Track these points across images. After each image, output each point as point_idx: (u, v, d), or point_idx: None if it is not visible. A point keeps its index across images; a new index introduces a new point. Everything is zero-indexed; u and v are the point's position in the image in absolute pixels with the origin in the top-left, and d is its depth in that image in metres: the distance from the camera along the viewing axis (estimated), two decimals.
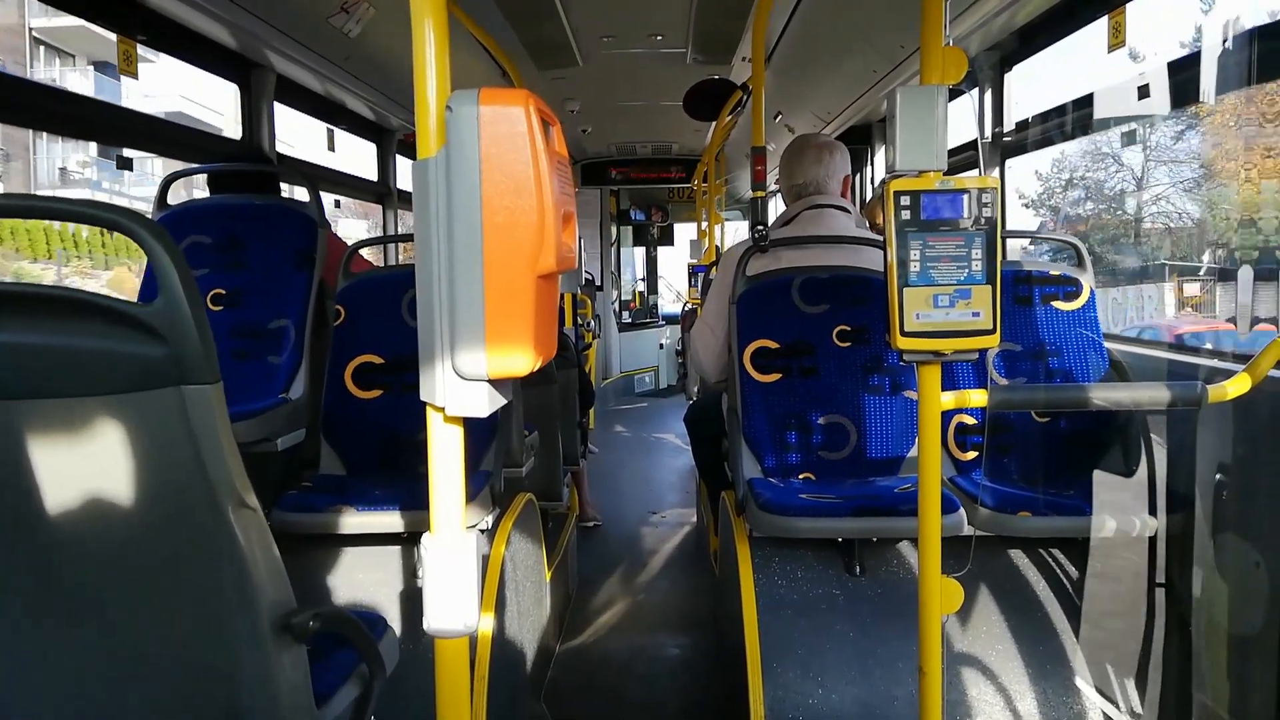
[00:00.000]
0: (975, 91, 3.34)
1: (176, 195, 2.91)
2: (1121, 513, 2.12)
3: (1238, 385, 1.61)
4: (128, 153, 2.87)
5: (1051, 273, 2.56)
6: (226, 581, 1.12)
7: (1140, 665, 2.12)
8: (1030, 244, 5.03)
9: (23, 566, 1.15)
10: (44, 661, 1.18)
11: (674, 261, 12.12)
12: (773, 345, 2.49)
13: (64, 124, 2.49)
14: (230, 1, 2.64)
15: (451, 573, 1.20)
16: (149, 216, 1.84)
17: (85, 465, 1.08)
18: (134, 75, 2.61)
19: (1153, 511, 2.11)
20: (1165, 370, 2.30)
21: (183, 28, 2.76)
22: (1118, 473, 2.33)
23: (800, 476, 2.46)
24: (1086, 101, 2.71)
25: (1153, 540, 2.12)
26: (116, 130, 2.70)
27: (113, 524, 1.12)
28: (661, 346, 10.46)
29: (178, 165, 3.02)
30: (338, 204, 4.44)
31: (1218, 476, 1.92)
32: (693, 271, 6.81)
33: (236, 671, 1.16)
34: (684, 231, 11.71)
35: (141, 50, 2.60)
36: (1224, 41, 2.06)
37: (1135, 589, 2.17)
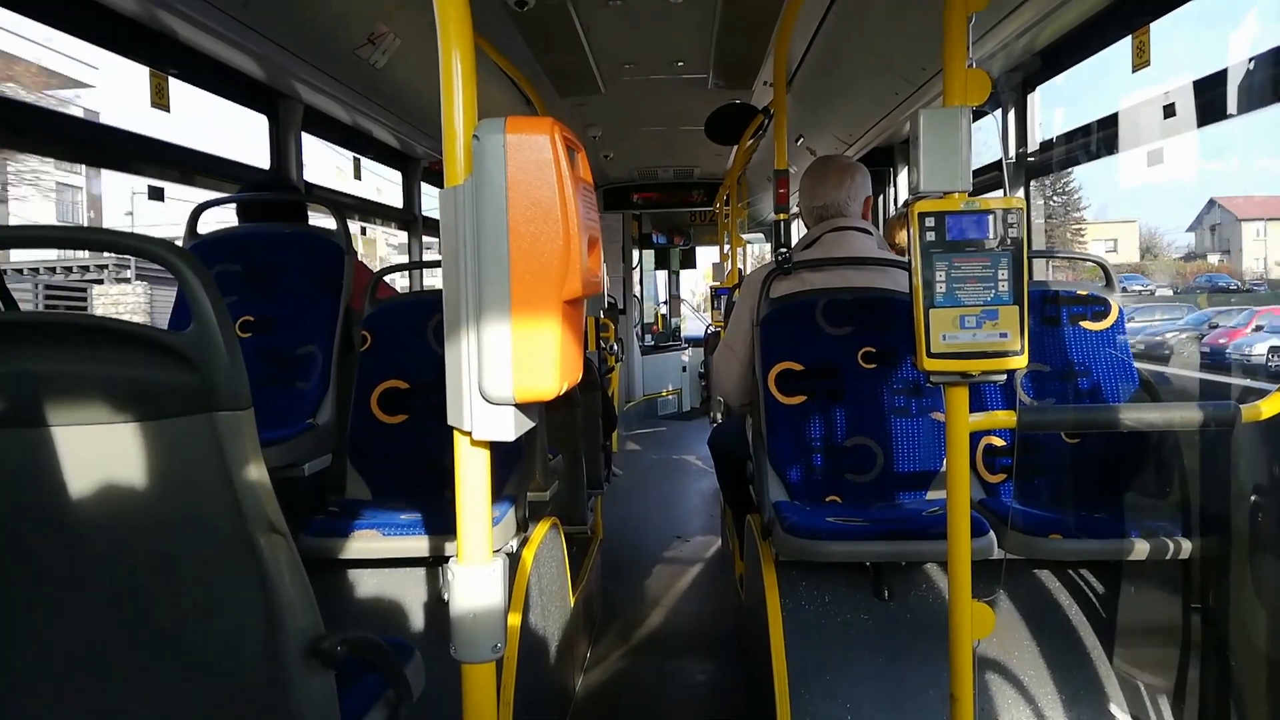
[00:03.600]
0: (998, 112, 3.34)
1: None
2: (1155, 534, 2.08)
3: (1271, 405, 1.59)
4: (157, 183, 2.92)
5: (1079, 293, 2.54)
6: (256, 606, 1.12)
7: (1176, 692, 2.08)
8: None
9: (53, 589, 1.16)
10: (72, 683, 1.19)
11: (687, 285, 12.05)
12: (797, 367, 2.48)
13: (94, 154, 2.55)
14: (259, 35, 2.69)
15: (479, 599, 1.20)
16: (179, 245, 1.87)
17: (118, 490, 1.10)
18: (165, 108, 2.67)
19: (1187, 533, 2.08)
20: (1196, 390, 2.27)
21: (213, 61, 2.82)
22: (1150, 494, 2.30)
23: (826, 499, 2.44)
24: (1111, 121, 2.70)
25: (1187, 563, 2.09)
26: (146, 160, 2.76)
27: (144, 548, 1.13)
28: (684, 369, 10.45)
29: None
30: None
31: (1253, 497, 1.89)
32: (715, 294, 6.81)
33: (266, 696, 1.16)
34: (705, 255, 11.75)
35: None
36: (1250, 59, 2.05)
37: (1170, 613, 2.13)
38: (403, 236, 4.77)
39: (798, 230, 3.87)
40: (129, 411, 1.07)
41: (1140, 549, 2.07)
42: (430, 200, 4.84)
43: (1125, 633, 2.19)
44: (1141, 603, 2.19)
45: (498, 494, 2.33)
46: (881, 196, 5.46)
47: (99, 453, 1.08)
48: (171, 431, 1.07)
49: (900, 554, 2.16)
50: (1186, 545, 2.06)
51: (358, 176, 4.25)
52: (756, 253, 12.20)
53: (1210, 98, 2.22)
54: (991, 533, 2.11)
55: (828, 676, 2.11)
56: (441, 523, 2.20)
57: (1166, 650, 2.10)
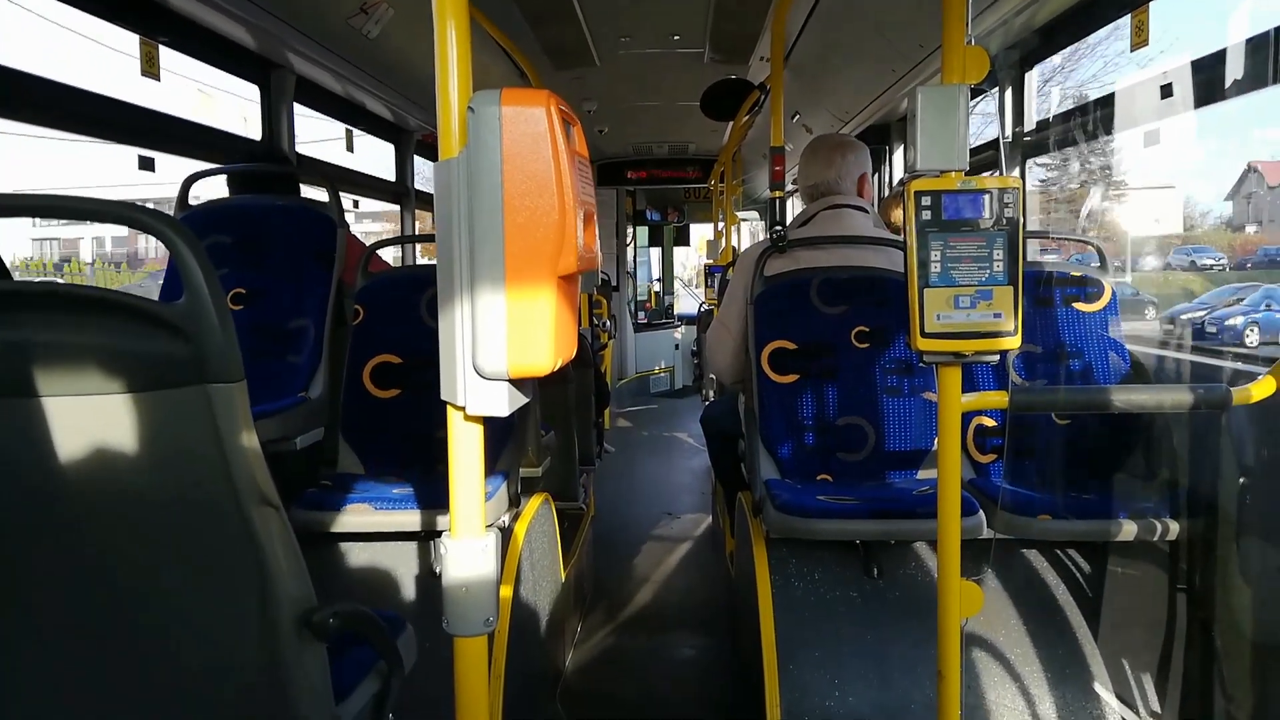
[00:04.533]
0: (995, 90, 3.33)
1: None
2: (1143, 516, 2.10)
3: (1262, 388, 1.59)
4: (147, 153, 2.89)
5: (1073, 274, 2.54)
6: (248, 578, 1.12)
7: (1161, 671, 2.10)
8: None
9: (46, 562, 1.16)
10: (62, 653, 1.19)
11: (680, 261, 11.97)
12: (790, 346, 2.48)
13: (83, 123, 2.51)
14: (251, 3, 2.66)
15: (471, 572, 1.20)
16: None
17: (109, 462, 1.09)
18: (156, 77, 2.63)
19: (1174, 515, 2.10)
20: (1188, 372, 2.28)
21: (204, 29, 2.78)
22: (1139, 475, 2.31)
23: (818, 478, 2.45)
24: (1108, 101, 2.69)
25: (1174, 544, 2.11)
26: (136, 130, 2.73)
27: (136, 521, 1.13)
28: (677, 347, 10.45)
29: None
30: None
31: (1241, 479, 1.90)
32: (709, 272, 6.80)
33: (258, 668, 1.16)
34: (699, 232, 11.71)
35: None
36: (1249, 39, 2.04)
37: (1156, 593, 2.15)
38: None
39: (793, 208, 3.84)
40: (120, 382, 1.06)
41: (1128, 530, 2.09)
42: (423, 174, 4.81)
43: (1111, 612, 2.21)
44: (1128, 583, 2.21)
45: (491, 469, 2.33)
46: (877, 175, 5.45)
47: (90, 424, 1.08)
48: (163, 403, 1.07)
49: (890, 532, 2.17)
50: (1174, 527, 2.07)
51: (350, 149, 4.22)
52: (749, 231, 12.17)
53: (1208, 77, 2.22)
54: (981, 512, 2.13)
55: (816, 653, 2.12)
56: (434, 497, 2.20)
57: (1152, 630, 2.13)
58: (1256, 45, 2.03)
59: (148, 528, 1.13)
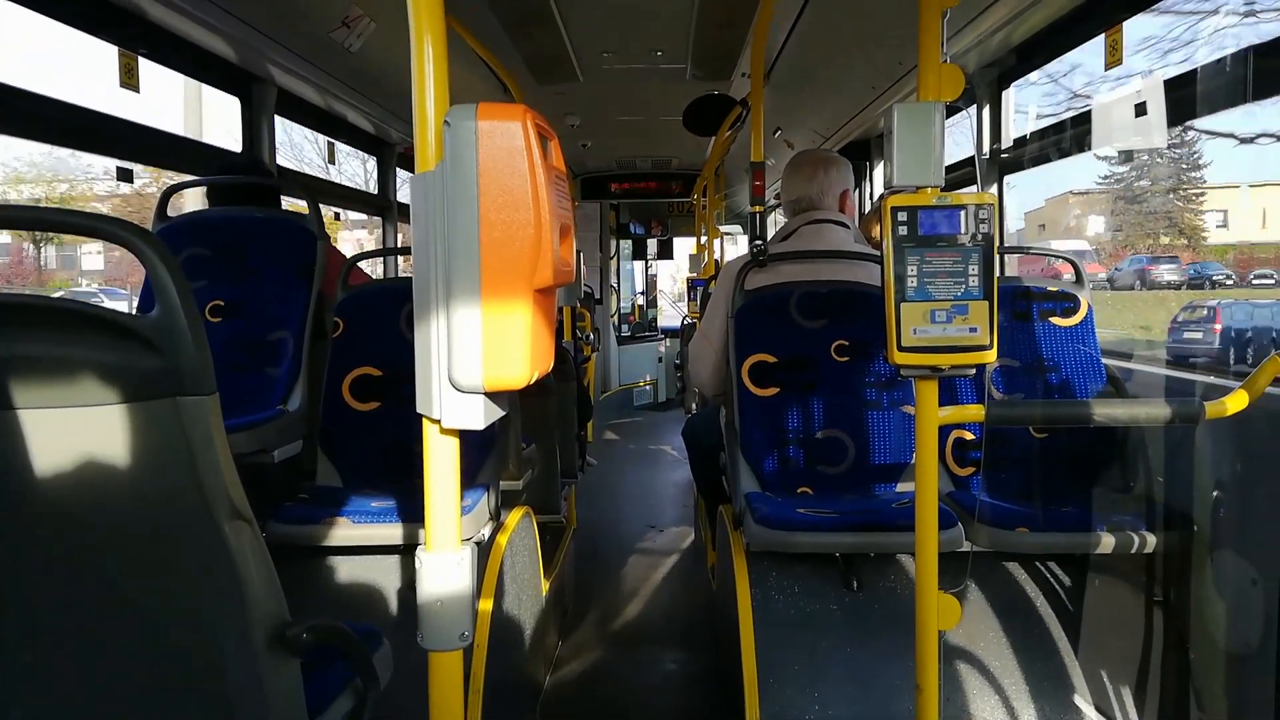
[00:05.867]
0: (973, 108, 3.36)
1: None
2: (1119, 528, 2.11)
3: (1235, 402, 1.61)
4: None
5: (1050, 289, 2.57)
6: (220, 593, 1.12)
7: (1139, 683, 2.11)
8: None
9: (15, 573, 1.14)
10: (35, 671, 1.17)
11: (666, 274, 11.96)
12: (771, 359, 2.49)
13: (62, 135, 2.50)
14: (232, 15, 2.65)
15: (446, 587, 1.20)
16: (148, 228, 1.84)
17: (83, 474, 1.08)
18: (135, 89, 2.62)
19: (1150, 527, 2.11)
20: (1163, 386, 2.30)
21: (184, 41, 2.78)
22: (1115, 488, 2.33)
23: (798, 491, 2.45)
24: (1084, 118, 2.73)
25: (1150, 556, 2.12)
26: (115, 141, 2.71)
27: (110, 532, 1.12)
28: (660, 360, 10.46)
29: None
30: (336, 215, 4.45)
31: (1215, 493, 1.92)
32: (691, 285, 6.81)
33: (229, 683, 1.15)
34: (683, 246, 11.73)
35: None
36: (1220, 59, 2.07)
37: (1133, 606, 2.17)
38: None
39: (775, 223, 3.85)
40: (92, 395, 1.05)
41: (1105, 543, 2.10)
42: (406, 186, 4.80)
43: (1090, 625, 2.22)
44: (1106, 595, 2.22)
45: (471, 482, 2.32)
46: (858, 190, 5.48)
47: (63, 436, 1.07)
48: (135, 416, 1.06)
49: (869, 545, 2.17)
50: (1150, 539, 2.09)
51: (332, 161, 4.21)
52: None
53: (1181, 95, 2.25)
54: (959, 525, 2.14)
55: (796, 666, 2.12)
56: (413, 510, 2.19)
57: (1129, 642, 2.14)
58: (1222, 66, 2.07)
59: (122, 539, 1.12)
